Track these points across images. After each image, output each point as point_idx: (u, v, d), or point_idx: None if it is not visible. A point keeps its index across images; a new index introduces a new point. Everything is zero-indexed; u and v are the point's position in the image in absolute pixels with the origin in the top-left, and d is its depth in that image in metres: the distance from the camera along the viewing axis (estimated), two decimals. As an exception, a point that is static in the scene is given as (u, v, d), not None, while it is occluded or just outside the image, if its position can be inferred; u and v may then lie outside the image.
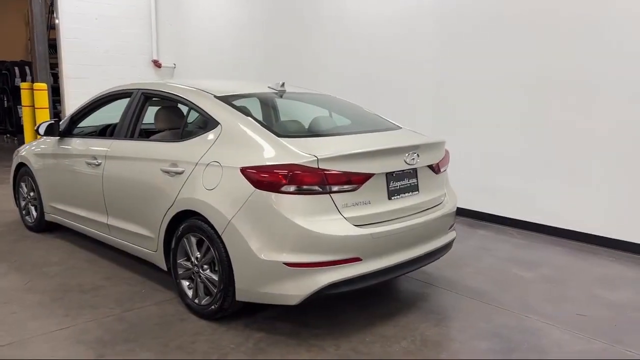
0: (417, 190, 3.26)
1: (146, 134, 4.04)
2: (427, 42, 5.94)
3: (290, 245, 2.74)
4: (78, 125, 4.57)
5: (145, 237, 3.55)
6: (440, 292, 3.68)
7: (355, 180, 2.86)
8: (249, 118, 3.17)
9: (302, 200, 2.74)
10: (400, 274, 3.17)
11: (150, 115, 3.93)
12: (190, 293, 3.24)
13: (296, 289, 2.75)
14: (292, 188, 2.72)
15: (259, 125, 3.10)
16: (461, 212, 5.83)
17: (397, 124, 3.85)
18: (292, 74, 7.64)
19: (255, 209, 2.80)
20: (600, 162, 4.73)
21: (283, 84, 3.76)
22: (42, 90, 8.31)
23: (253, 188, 2.80)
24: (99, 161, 3.91)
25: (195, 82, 3.77)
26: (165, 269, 3.46)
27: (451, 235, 3.60)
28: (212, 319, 3.12)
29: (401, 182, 3.13)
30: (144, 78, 9.88)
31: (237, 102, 3.39)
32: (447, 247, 3.52)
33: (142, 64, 10.02)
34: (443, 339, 3.03)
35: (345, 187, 2.83)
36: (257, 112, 3.78)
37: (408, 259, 3.10)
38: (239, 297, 2.93)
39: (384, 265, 2.95)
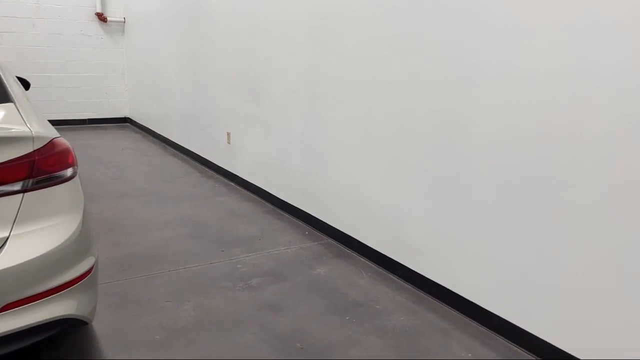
0: None
1: None
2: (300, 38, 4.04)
3: None
4: None
5: None
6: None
7: None
8: None
9: None
10: None
11: None
12: None
13: None
14: None
15: None
16: (322, 229, 3.89)
17: (10, 97, 2.16)
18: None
19: None
20: (486, 182, 2.71)
21: None
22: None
23: None
24: None
25: None
26: None
27: (22, 320, 1.83)
28: None
29: None
30: (87, 34, 8.67)
31: None
32: None
33: (83, 18, 8.72)
34: None
35: None
36: None
37: None
38: None
39: None
